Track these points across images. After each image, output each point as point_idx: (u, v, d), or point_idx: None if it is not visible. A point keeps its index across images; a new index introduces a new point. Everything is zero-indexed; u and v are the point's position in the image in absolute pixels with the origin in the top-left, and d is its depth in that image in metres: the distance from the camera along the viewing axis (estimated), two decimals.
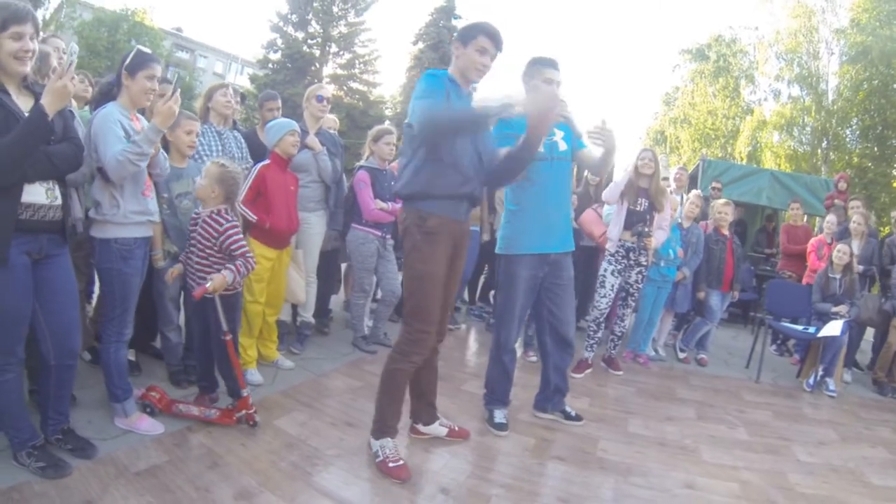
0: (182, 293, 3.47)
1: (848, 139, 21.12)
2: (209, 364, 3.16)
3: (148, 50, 2.80)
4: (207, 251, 2.95)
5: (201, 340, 3.15)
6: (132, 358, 3.47)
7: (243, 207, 3.42)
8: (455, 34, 2.75)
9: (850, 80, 20.53)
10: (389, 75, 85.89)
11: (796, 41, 22.33)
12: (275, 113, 4.45)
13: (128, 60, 2.71)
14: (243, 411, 2.96)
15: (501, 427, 3.41)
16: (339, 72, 27.73)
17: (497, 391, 3.53)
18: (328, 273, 4.75)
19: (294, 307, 4.44)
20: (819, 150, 21.31)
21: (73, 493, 2.23)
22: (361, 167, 4.59)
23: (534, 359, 4.87)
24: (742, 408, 4.53)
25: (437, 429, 3.15)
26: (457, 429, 3.21)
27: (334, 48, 27.53)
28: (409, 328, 2.72)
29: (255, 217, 3.57)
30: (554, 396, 3.70)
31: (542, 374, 3.70)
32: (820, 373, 5.27)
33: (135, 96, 2.73)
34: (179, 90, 2.67)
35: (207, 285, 2.78)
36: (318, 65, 27.13)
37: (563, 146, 3.34)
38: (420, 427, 3.14)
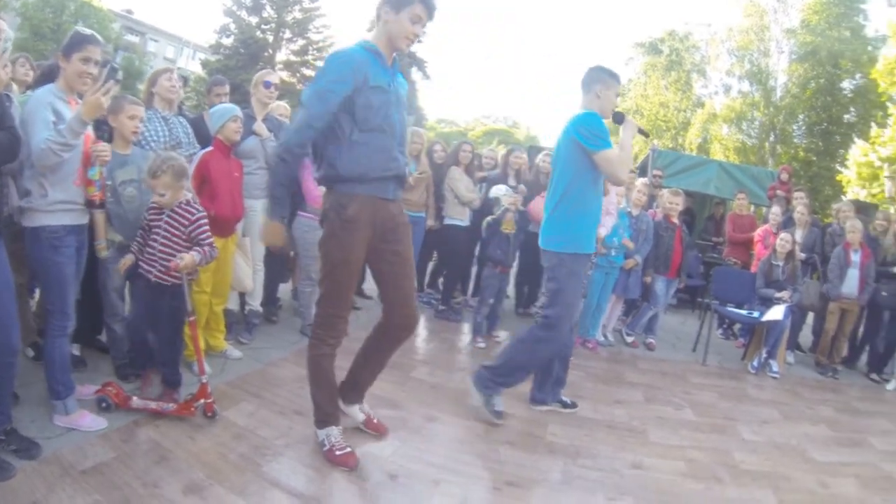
0: (127, 284, 3.39)
1: (794, 134, 21.97)
2: (172, 357, 3.12)
3: (87, 31, 2.69)
4: (174, 240, 2.96)
5: (154, 331, 3.08)
6: (77, 353, 3.39)
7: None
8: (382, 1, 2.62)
9: (799, 78, 21.37)
10: None
11: (748, 39, 23.04)
12: (222, 98, 4.38)
13: (65, 42, 2.62)
14: (202, 401, 2.93)
15: (500, 416, 3.47)
16: (293, 58, 27.39)
17: (515, 378, 3.53)
18: (276, 261, 4.70)
19: (242, 296, 4.38)
20: (767, 144, 22.11)
21: (18, 495, 2.17)
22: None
23: (482, 345, 4.93)
24: (689, 390, 4.67)
25: (356, 412, 3.05)
26: (375, 421, 3.10)
27: (288, 34, 27.13)
28: (323, 312, 2.70)
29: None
30: (555, 388, 3.79)
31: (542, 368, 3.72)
32: (764, 355, 5.50)
33: (70, 79, 2.63)
34: (114, 80, 2.58)
35: (179, 262, 2.82)
36: (271, 51, 26.67)
37: None
38: (341, 405, 3.00)
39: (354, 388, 3.02)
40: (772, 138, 22.32)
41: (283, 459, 2.69)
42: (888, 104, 15.56)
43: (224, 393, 3.29)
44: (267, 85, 4.22)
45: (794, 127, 22.28)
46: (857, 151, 15.28)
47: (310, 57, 27.30)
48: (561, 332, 3.45)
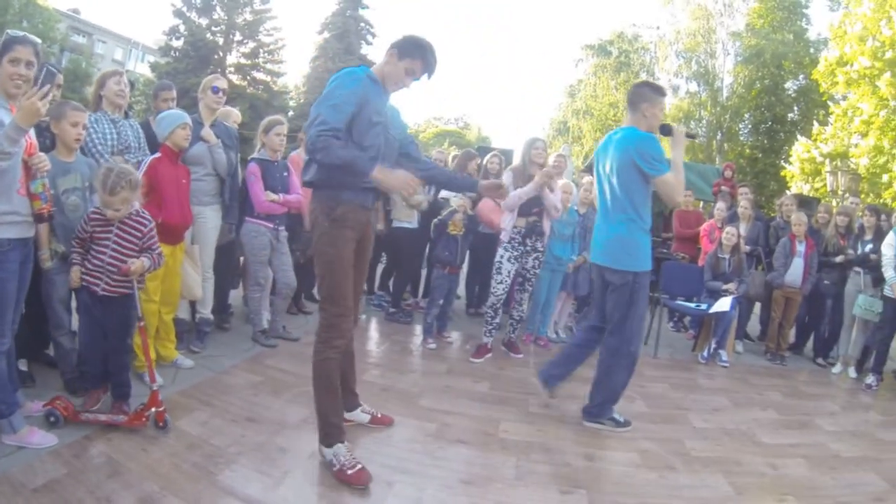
0: (73, 295, 3.26)
1: (741, 132, 22.67)
2: (121, 368, 3.05)
3: (18, 32, 2.58)
4: (126, 251, 2.92)
5: (102, 343, 3.01)
6: (24, 368, 3.29)
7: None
8: (397, 40, 2.77)
9: (744, 79, 22.05)
10: (294, 65, 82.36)
11: (695, 41, 23.66)
12: (169, 104, 4.27)
13: None
14: (153, 410, 2.86)
15: (628, 423, 3.69)
16: (243, 61, 26.80)
17: (616, 396, 3.71)
18: (226, 267, 4.65)
19: (192, 304, 4.30)
20: (714, 142, 22.64)
21: None
22: (252, 159, 4.51)
23: (433, 346, 4.96)
24: (641, 382, 4.69)
25: (360, 415, 3.19)
26: (379, 416, 3.25)
27: (238, 36, 26.50)
28: (325, 314, 2.72)
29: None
30: (565, 374, 3.91)
31: (575, 353, 3.90)
32: (713, 345, 5.66)
33: (3, 83, 2.51)
34: (52, 84, 2.44)
35: (130, 267, 2.81)
36: (221, 53, 26.05)
37: None
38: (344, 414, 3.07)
39: (346, 391, 3.07)
40: (719, 137, 22.93)
41: (237, 467, 2.65)
42: (829, 103, 16.12)
43: (176, 403, 3.24)
44: (215, 90, 4.17)
45: (741, 125, 22.99)
46: (800, 148, 15.79)
47: (260, 60, 26.83)
48: (631, 344, 3.60)
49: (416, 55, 2.74)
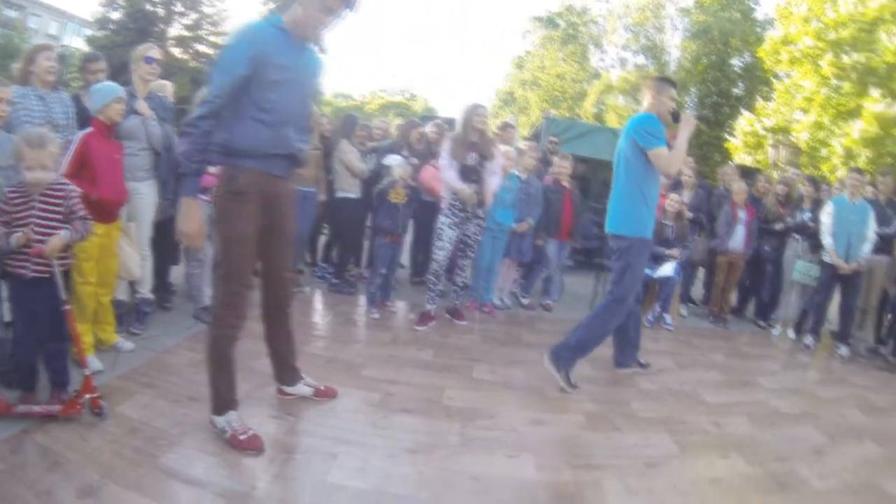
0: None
1: (687, 105, 23.07)
2: (58, 355, 2.85)
3: None
4: (52, 224, 2.72)
5: (35, 330, 2.79)
6: None
7: None
8: None
9: (691, 54, 22.59)
10: None
11: (644, 16, 24.01)
12: (99, 76, 4.02)
13: None
14: (86, 396, 2.68)
15: (576, 387, 3.81)
16: (185, 33, 25.68)
17: (587, 348, 3.89)
18: (165, 244, 4.42)
19: (132, 284, 4.09)
20: None
21: None
22: None
23: (377, 316, 4.89)
24: None
25: (302, 388, 3.12)
26: (323, 388, 3.17)
27: (180, 7, 25.31)
28: (222, 291, 2.61)
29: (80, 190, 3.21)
30: (633, 352, 4.24)
31: (621, 333, 4.11)
32: (658, 309, 5.77)
33: None
34: None
35: (45, 248, 2.60)
36: (162, 25, 24.90)
37: None
38: (285, 388, 3.11)
39: (286, 366, 3.06)
40: None
41: (180, 448, 2.55)
42: (773, 80, 16.57)
43: (117, 387, 3.07)
44: (148, 60, 3.94)
45: (687, 99, 23.42)
46: (744, 122, 16.18)
47: (203, 32, 25.76)
48: (628, 304, 3.87)
49: None
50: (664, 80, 4.01)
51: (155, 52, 4.01)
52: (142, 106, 3.85)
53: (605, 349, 4.47)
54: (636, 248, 3.79)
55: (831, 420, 3.89)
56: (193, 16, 25.73)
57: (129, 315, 4.01)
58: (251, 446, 2.55)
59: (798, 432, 3.61)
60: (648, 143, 3.65)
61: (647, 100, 3.95)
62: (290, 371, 3.10)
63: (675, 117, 3.84)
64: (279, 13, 2.61)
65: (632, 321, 4.14)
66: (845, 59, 12.11)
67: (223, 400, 2.65)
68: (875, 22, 11.82)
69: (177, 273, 4.89)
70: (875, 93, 11.28)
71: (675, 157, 3.70)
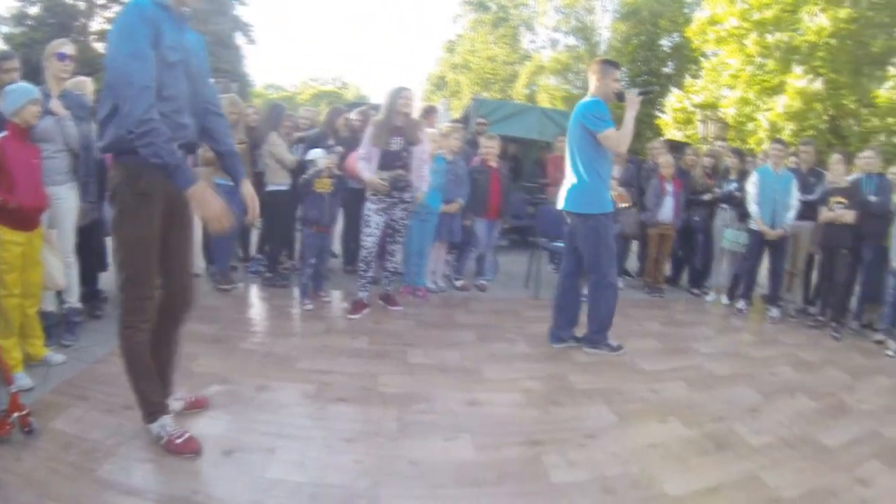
0: None
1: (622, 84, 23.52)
2: None
3: None
4: None
5: None
6: None
7: None
8: None
9: (621, 35, 23.05)
10: None
11: None
12: (12, 75, 3.73)
13: None
14: (15, 415, 2.50)
15: (621, 347, 4.20)
16: (108, 27, 24.40)
17: (607, 323, 4.21)
18: (91, 250, 4.20)
19: (59, 294, 3.85)
20: None
21: None
22: None
23: (310, 307, 4.79)
24: (522, 324, 4.76)
25: (172, 403, 2.86)
26: (194, 399, 2.96)
27: None
28: (129, 297, 2.44)
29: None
30: (570, 327, 4.32)
31: (563, 308, 4.29)
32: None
33: None
34: None
35: None
36: (83, 20, 23.68)
37: None
38: None
39: (161, 380, 2.77)
40: None
41: (116, 459, 2.43)
42: (701, 59, 17.03)
43: (49, 402, 2.89)
44: (61, 57, 3.69)
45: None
46: (674, 99, 16.60)
47: None
48: (608, 276, 4.10)
49: None
50: (608, 63, 4.16)
51: (68, 48, 3.76)
52: (56, 105, 3.60)
53: (541, 325, 4.50)
54: (602, 224, 4.02)
55: (765, 379, 3.99)
56: (116, 8, 23.94)
57: (59, 326, 3.78)
58: (188, 449, 2.48)
59: (733, 393, 3.69)
60: (597, 126, 3.89)
61: (592, 83, 4.10)
62: (164, 385, 2.86)
63: (620, 97, 4.04)
64: None
65: (573, 296, 4.26)
66: (769, 38, 12.55)
67: (153, 405, 2.55)
68: (797, 3, 12.30)
69: (106, 279, 4.61)
70: (798, 70, 11.72)
71: (623, 137, 3.92)
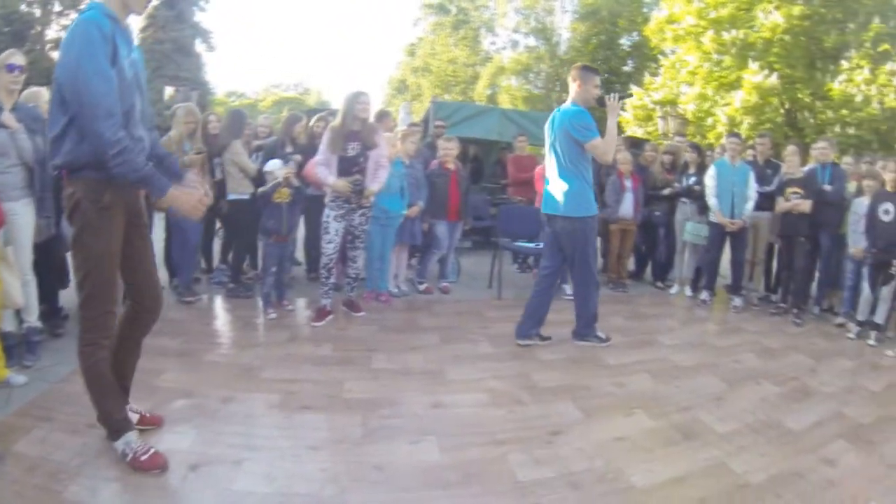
0: None
1: None
2: None
3: None
4: None
5: None
6: None
7: None
8: None
9: (581, 35, 23.33)
10: None
11: None
12: None
13: None
14: None
15: (609, 339, 4.35)
16: (65, 35, 23.91)
17: (594, 317, 4.36)
18: (50, 266, 4.06)
19: (18, 313, 3.70)
20: (553, 94, 23.85)
21: None
22: None
23: (273, 316, 4.72)
24: (485, 325, 4.75)
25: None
26: (148, 415, 2.88)
27: (58, 6, 23.36)
28: (91, 313, 2.40)
29: None
30: (538, 325, 4.36)
31: (535, 308, 4.32)
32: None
33: None
34: None
35: None
36: (39, 27, 23.05)
37: None
38: None
39: (123, 390, 2.76)
40: (557, 88, 24.33)
41: (82, 479, 2.36)
42: (659, 57, 17.27)
43: (12, 425, 2.80)
44: (10, 68, 3.54)
45: None
46: (634, 97, 16.76)
47: None
48: (592, 282, 4.26)
49: None
50: (588, 69, 4.23)
51: (18, 59, 3.62)
52: (7, 118, 3.48)
53: (505, 325, 4.49)
54: (589, 225, 4.17)
55: (729, 367, 4.03)
56: (73, 15, 23.55)
57: (20, 347, 3.65)
58: (153, 465, 2.44)
59: (698, 382, 3.71)
60: (584, 136, 4.00)
61: (573, 89, 4.18)
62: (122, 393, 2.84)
63: (601, 102, 4.20)
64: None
65: (547, 297, 4.32)
66: (725, 35, 12.74)
67: (117, 422, 2.51)
68: (752, 1, 12.56)
69: (67, 296, 4.47)
70: (754, 65, 11.91)
71: (608, 145, 4.08)
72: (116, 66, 2.21)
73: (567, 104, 4.18)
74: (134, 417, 2.80)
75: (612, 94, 4.20)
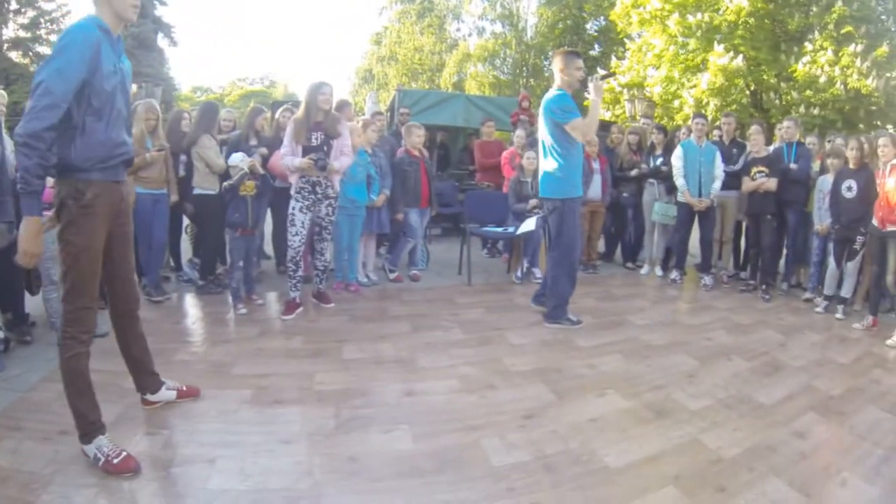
0: None
1: (545, 68, 23.98)
2: None
3: None
4: None
5: None
6: None
7: None
8: None
9: (547, 20, 23.25)
10: None
11: None
12: None
13: None
14: None
15: (580, 321, 4.39)
16: (22, 34, 22.71)
17: (566, 299, 4.40)
18: (11, 273, 3.91)
19: None
20: (521, 79, 23.85)
21: None
22: None
23: (243, 311, 4.64)
24: (456, 311, 4.72)
25: (166, 394, 3.02)
26: (185, 388, 3.08)
27: (14, 5, 22.39)
28: (70, 307, 2.46)
29: None
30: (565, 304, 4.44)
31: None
32: (525, 265, 5.86)
33: None
34: None
35: None
36: None
37: None
38: (149, 397, 2.98)
39: (145, 373, 2.95)
40: (525, 73, 24.37)
41: (54, 487, 2.29)
42: (626, 41, 17.36)
43: None
44: None
45: (545, 62, 24.28)
46: (617, 75, 16.83)
47: (42, 31, 22.82)
48: (570, 257, 4.34)
49: None
50: (571, 53, 4.38)
51: None
52: None
53: (475, 311, 4.46)
54: (569, 207, 4.28)
55: (700, 344, 4.06)
56: (30, 13, 22.78)
57: None
58: (126, 468, 2.41)
59: (670, 361, 3.73)
60: (564, 118, 4.14)
61: (557, 74, 4.31)
62: (150, 377, 2.97)
63: (584, 84, 4.32)
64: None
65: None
66: (690, 18, 12.83)
67: (90, 424, 2.49)
68: None
69: (34, 303, 4.34)
70: (719, 48, 12.03)
71: (589, 124, 4.21)
72: (98, 73, 2.30)
73: (552, 90, 4.29)
74: (172, 394, 3.01)
75: (594, 75, 4.28)
